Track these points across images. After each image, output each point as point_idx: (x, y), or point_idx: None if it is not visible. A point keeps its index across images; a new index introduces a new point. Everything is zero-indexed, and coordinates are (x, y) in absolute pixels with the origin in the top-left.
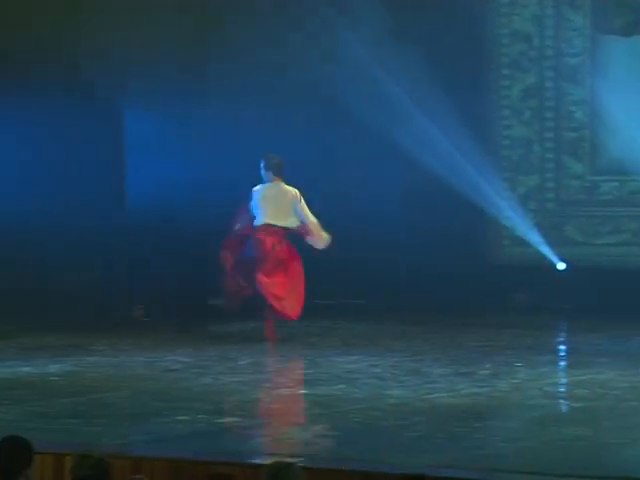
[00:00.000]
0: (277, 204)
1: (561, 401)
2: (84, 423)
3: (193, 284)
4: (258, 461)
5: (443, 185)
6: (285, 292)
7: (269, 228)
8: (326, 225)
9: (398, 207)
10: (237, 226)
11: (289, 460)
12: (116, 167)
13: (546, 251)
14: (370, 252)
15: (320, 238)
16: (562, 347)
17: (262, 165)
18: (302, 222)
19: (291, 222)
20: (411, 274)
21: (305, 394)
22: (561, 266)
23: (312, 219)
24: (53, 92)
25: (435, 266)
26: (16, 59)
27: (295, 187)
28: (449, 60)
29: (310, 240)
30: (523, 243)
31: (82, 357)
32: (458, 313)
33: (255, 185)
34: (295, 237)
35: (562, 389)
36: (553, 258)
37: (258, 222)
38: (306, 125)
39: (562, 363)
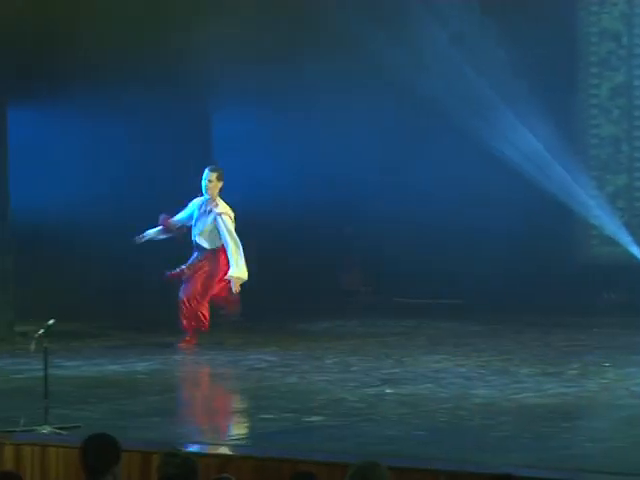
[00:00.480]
0: None
1: None
2: (171, 421)
3: (277, 283)
4: (345, 460)
5: (532, 184)
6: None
7: None
8: (416, 225)
9: (488, 208)
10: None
11: (376, 460)
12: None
13: (635, 250)
14: (457, 251)
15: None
16: None
17: (214, 176)
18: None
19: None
20: (498, 273)
21: (391, 393)
22: None
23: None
24: (147, 92)
25: (523, 265)
26: (108, 60)
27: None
28: (538, 60)
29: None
30: (612, 242)
31: (169, 355)
32: (546, 312)
33: None
34: None
35: None
36: None
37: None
38: (397, 124)
39: None
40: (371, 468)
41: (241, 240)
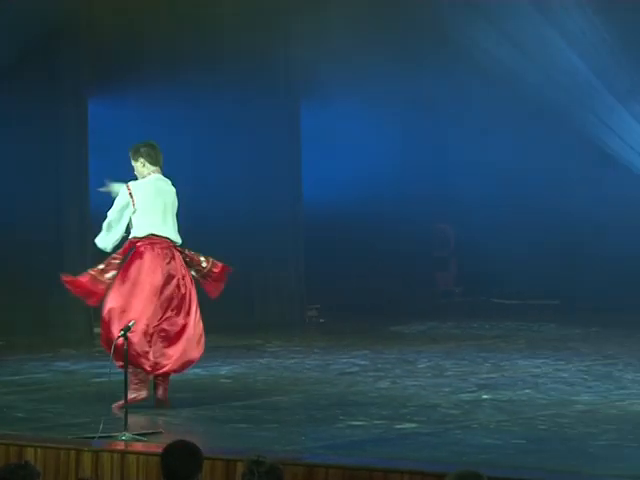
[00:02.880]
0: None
1: None
2: (255, 428)
3: (370, 284)
4: (439, 470)
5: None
6: None
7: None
8: (514, 224)
9: (600, 205)
10: None
11: (473, 470)
12: (292, 165)
13: None
14: (556, 250)
15: None
16: None
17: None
18: None
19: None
20: (604, 273)
21: (487, 399)
22: None
23: None
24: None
25: (630, 266)
26: (190, 54)
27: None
28: None
29: None
30: None
31: (254, 359)
32: None
33: None
34: None
35: None
36: None
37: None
38: (512, 122)
39: None
40: (472, 478)
41: (335, 237)
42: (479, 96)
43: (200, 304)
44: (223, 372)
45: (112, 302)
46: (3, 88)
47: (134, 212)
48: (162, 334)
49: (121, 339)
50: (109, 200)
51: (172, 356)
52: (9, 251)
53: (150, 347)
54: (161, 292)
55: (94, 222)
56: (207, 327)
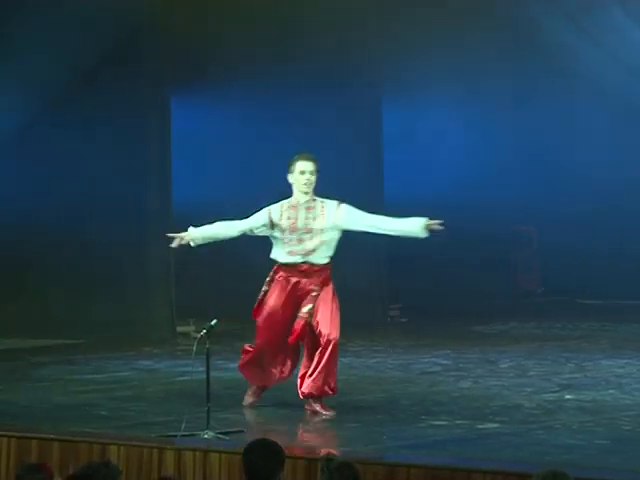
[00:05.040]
0: None
1: None
2: (338, 427)
3: (452, 282)
4: (521, 470)
5: None
6: None
7: None
8: (596, 224)
9: None
10: None
11: (560, 470)
12: (373, 165)
13: None
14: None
15: None
16: None
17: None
18: None
19: None
20: None
21: (571, 399)
22: None
23: None
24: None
25: None
26: (269, 55)
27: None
28: None
29: None
30: None
31: None
32: None
33: None
34: None
35: None
36: None
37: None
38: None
39: None
40: (560, 478)
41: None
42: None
43: None
44: None
45: None
46: (87, 91)
47: None
48: None
49: None
50: (190, 198)
51: None
52: (92, 250)
53: None
54: None
55: (176, 222)
56: None
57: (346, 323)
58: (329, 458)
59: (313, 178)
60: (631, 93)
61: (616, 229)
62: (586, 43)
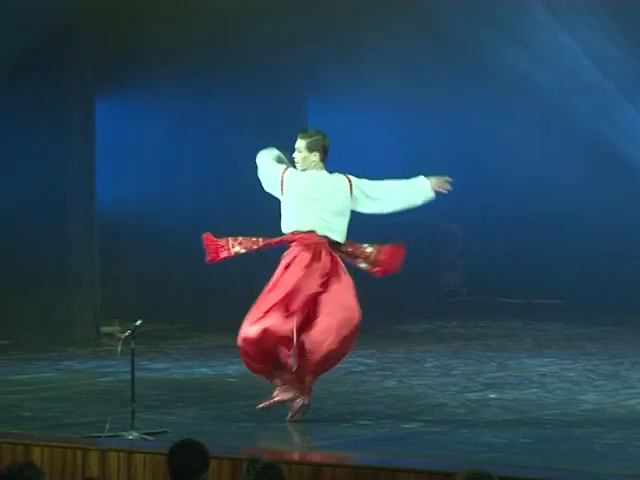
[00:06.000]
0: None
1: None
2: (262, 427)
3: (375, 283)
4: (445, 469)
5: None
6: None
7: None
8: (519, 225)
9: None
10: None
11: (482, 469)
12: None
13: None
14: (565, 249)
15: None
16: None
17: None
18: None
19: None
20: (610, 272)
21: (494, 398)
22: None
23: None
24: None
25: (636, 265)
26: (196, 51)
27: None
28: None
29: None
30: None
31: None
32: None
33: None
34: None
35: None
36: None
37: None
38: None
39: None
40: (481, 477)
41: None
42: (487, 96)
43: None
44: (230, 371)
45: None
46: (8, 89)
47: None
48: None
49: None
50: (114, 197)
51: None
52: (15, 251)
53: None
54: None
55: (101, 222)
56: (220, 326)
57: None
58: (254, 459)
59: (300, 156)
60: (559, 96)
61: (540, 229)
62: (515, 47)
